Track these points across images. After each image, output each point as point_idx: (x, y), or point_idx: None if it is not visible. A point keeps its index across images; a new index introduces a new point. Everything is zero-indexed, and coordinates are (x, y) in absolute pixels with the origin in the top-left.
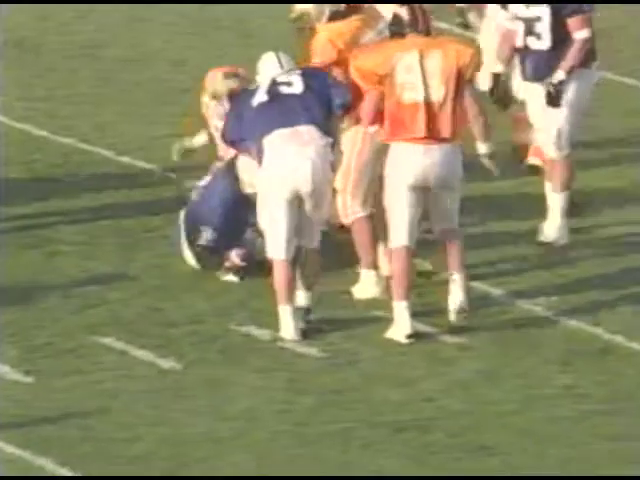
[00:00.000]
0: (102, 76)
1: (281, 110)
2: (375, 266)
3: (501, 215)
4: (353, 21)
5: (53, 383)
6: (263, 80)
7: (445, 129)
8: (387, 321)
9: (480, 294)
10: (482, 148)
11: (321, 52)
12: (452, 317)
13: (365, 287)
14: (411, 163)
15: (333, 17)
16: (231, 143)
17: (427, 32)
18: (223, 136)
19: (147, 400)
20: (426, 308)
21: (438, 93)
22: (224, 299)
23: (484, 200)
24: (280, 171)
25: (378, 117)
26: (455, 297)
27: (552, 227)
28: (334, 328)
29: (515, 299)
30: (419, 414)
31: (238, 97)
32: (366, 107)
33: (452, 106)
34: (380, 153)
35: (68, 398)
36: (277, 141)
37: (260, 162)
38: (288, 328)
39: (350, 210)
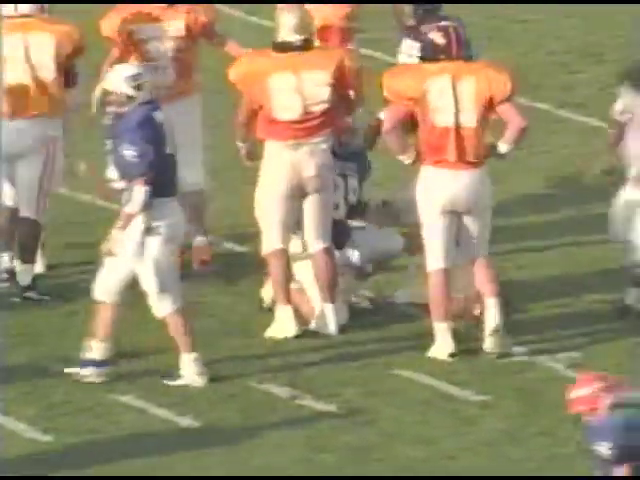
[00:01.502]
0: None
1: None
2: (289, 301)
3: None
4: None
5: (71, 442)
6: None
7: (474, 154)
8: (406, 380)
9: (501, 352)
10: (503, 147)
11: None
12: (488, 344)
13: (282, 326)
14: (440, 187)
15: None
16: None
17: (461, 57)
18: None
19: (166, 458)
20: (446, 367)
21: (469, 118)
22: (243, 357)
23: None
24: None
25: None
26: (491, 321)
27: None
28: (352, 385)
29: (536, 356)
30: (442, 472)
31: None
32: (387, 118)
33: (482, 132)
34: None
35: (86, 457)
36: None
37: None
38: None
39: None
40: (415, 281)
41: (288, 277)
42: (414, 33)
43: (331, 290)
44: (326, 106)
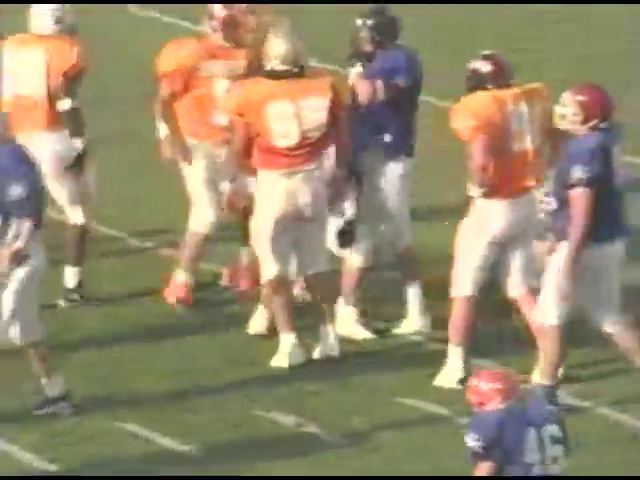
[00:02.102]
0: None
1: None
2: (293, 328)
3: None
4: None
5: (78, 471)
6: None
7: (538, 177)
8: (410, 407)
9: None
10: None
11: None
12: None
13: (286, 354)
14: (505, 217)
15: None
16: None
17: (511, 83)
18: None
19: None
20: (451, 395)
21: (537, 141)
22: (249, 385)
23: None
24: None
25: None
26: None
27: None
28: (357, 413)
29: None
30: None
31: None
32: (476, 156)
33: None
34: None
35: None
36: None
37: None
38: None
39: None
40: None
41: (290, 304)
42: (367, 58)
43: (330, 314)
44: (323, 131)
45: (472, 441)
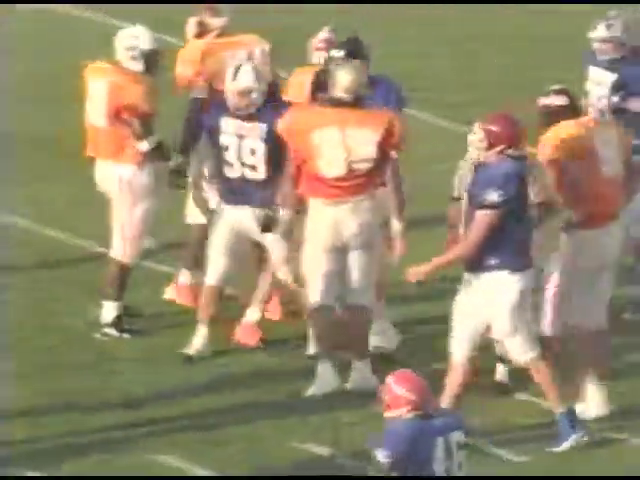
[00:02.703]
0: None
1: None
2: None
3: None
4: None
5: None
6: None
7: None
8: None
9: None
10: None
11: None
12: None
13: (323, 381)
14: (602, 246)
15: None
16: None
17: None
18: None
19: None
20: (484, 426)
21: (621, 167)
22: (284, 416)
23: None
24: None
25: None
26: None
27: None
28: None
29: None
30: None
31: None
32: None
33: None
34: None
35: None
36: None
37: None
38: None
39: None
40: None
41: (331, 333)
42: None
43: (364, 347)
44: (372, 165)
45: (381, 457)
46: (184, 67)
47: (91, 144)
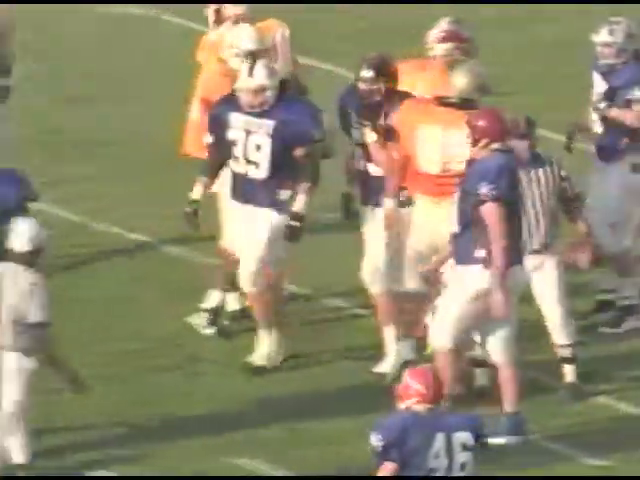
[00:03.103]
0: None
1: None
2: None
3: None
4: None
5: None
6: None
7: None
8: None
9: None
10: None
11: None
12: None
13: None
14: None
15: None
16: None
17: None
18: None
19: None
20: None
21: None
22: (366, 418)
23: None
24: None
25: None
26: None
27: None
28: None
29: None
30: None
31: None
32: None
33: None
34: None
35: None
36: None
37: None
38: None
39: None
40: None
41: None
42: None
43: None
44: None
45: (374, 440)
46: (203, 55)
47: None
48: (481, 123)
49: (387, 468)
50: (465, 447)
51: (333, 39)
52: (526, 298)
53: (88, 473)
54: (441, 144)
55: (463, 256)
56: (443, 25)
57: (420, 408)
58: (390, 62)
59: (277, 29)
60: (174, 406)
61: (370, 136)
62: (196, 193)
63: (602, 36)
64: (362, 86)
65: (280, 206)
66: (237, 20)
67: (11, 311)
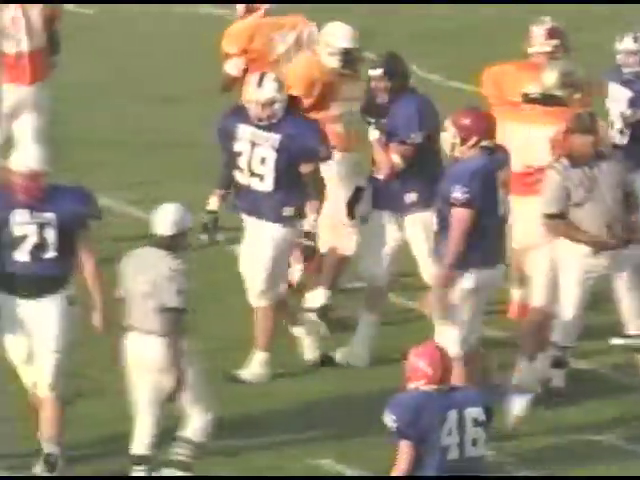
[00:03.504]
0: None
1: None
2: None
3: None
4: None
5: None
6: None
7: None
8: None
9: None
10: None
11: None
12: None
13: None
14: None
15: None
16: None
17: None
18: None
19: None
20: None
21: None
22: None
23: None
24: None
25: None
26: None
27: None
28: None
29: None
30: None
31: None
32: None
33: None
34: None
35: None
36: None
37: None
38: None
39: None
40: None
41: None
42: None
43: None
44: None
45: (388, 420)
46: (229, 44)
47: None
48: (467, 122)
49: (403, 446)
50: (476, 422)
51: None
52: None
53: (168, 472)
54: (524, 140)
55: (441, 256)
56: (547, 23)
57: (429, 389)
58: (400, 61)
59: (304, 27)
60: (255, 405)
61: (373, 134)
62: (212, 204)
63: (626, 44)
64: (371, 84)
65: (284, 221)
66: (267, 13)
67: (148, 295)
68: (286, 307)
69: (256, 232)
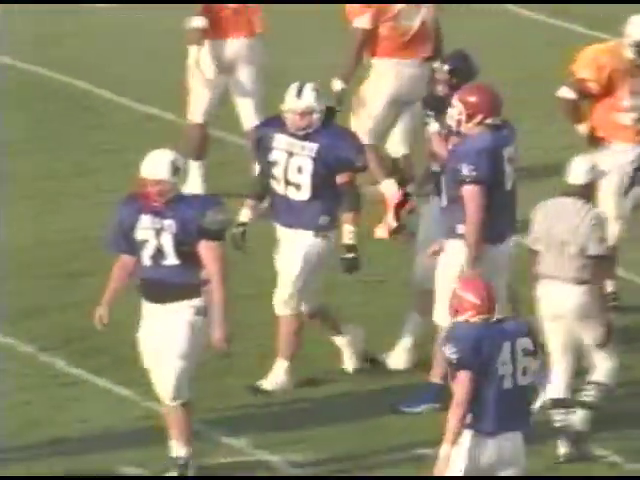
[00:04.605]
0: None
1: None
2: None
3: None
4: None
5: None
6: None
7: None
8: None
9: None
10: None
11: None
12: None
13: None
14: None
15: None
16: None
17: None
18: None
19: None
20: None
21: None
22: None
23: None
24: None
25: None
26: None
27: None
28: None
29: None
30: None
31: None
32: None
33: None
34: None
35: None
36: None
37: None
38: None
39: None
40: None
41: None
42: (441, 103)
43: None
44: None
45: (449, 352)
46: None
47: None
48: (474, 99)
49: (462, 377)
50: (526, 352)
51: None
52: None
53: (249, 457)
54: None
55: (448, 230)
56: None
57: (477, 319)
58: (468, 60)
59: None
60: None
61: (433, 126)
62: (244, 215)
63: None
64: (436, 76)
65: (318, 230)
66: None
67: (573, 243)
68: (328, 317)
69: (289, 242)
